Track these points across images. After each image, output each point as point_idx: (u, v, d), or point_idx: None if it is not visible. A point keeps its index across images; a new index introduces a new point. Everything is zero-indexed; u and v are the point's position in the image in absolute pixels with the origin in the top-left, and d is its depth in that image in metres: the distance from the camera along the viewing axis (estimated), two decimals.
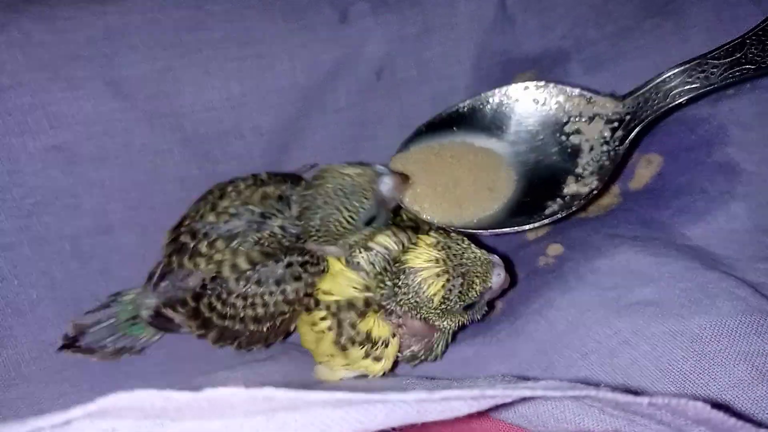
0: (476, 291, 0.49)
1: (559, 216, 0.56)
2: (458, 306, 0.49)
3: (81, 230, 0.59)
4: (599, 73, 0.67)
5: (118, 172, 0.60)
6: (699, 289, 0.50)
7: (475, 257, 0.49)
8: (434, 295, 0.48)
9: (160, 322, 0.56)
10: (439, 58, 0.69)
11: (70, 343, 0.57)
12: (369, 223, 0.53)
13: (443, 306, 0.49)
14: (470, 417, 0.49)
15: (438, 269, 0.48)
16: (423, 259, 0.49)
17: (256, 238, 0.54)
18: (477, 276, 0.49)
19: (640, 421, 0.39)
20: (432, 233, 0.52)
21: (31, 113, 0.56)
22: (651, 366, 0.47)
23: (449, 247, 0.49)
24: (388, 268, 0.52)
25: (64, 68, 0.57)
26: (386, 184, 0.53)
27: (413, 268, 0.49)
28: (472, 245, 0.50)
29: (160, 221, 0.61)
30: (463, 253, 0.49)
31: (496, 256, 0.51)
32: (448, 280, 0.48)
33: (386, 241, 0.54)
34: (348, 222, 0.52)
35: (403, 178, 0.55)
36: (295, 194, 0.56)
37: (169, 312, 0.55)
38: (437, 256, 0.49)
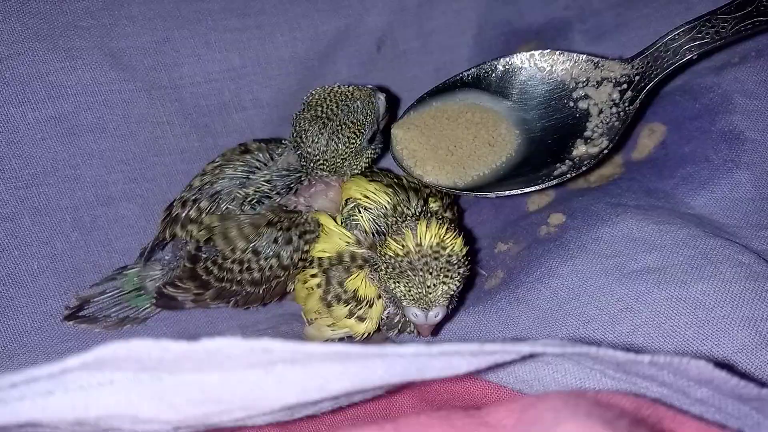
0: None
1: (568, 176, 0.55)
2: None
3: (81, 201, 0.58)
4: (602, 43, 0.66)
5: (117, 143, 0.60)
6: (702, 255, 0.49)
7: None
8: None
9: (164, 301, 0.57)
10: (441, 30, 0.69)
11: (74, 313, 0.57)
12: (371, 141, 0.56)
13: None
14: (470, 382, 0.50)
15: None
16: None
17: (242, 195, 0.54)
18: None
19: (641, 384, 0.38)
20: None
21: (30, 83, 0.56)
22: (653, 332, 0.47)
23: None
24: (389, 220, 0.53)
25: (63, 38, 0.57)
26: (381, 100, 0.55)
27: None
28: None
29: (161, 193, 0.61)
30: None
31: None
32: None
33: (383, 199, 0.54)
34: (355, 136, 0.54)
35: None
36: (279, 148, 0.58)
37: (170, 290, 0.55)
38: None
